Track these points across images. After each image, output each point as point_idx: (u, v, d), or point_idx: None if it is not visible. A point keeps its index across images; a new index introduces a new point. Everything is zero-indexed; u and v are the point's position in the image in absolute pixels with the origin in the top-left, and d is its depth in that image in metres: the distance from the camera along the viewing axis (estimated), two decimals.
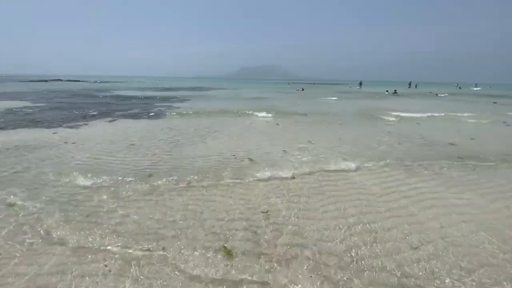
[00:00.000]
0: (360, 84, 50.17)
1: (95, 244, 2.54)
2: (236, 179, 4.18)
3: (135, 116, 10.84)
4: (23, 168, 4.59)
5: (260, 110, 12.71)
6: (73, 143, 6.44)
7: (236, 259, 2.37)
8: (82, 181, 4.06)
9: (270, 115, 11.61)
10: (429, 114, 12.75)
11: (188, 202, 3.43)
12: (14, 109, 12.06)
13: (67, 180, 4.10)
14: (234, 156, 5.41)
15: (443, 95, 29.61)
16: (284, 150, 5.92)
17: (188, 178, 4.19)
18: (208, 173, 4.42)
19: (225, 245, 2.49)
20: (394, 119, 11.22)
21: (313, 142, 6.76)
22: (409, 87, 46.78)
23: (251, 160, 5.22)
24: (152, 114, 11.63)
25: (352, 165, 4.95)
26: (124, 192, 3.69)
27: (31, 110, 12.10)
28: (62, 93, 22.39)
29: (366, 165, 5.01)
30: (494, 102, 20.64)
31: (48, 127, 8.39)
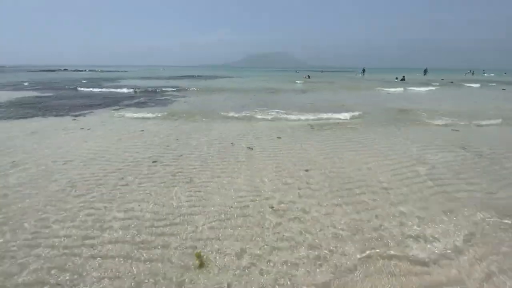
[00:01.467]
0: (363, 71, 48.51)
1: None
2: None
3: (139, 105, 11.02)
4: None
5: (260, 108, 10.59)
6: (88, 129, 6.80)
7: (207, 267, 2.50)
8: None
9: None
10: None
11: None
12: (23, 99, 12.38)
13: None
14: None
15: (493, 84, 25.70)
16: None
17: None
18: None
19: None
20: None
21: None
22: (424, 74, 44.04)
23: None
24: (155, 103, 11.77)
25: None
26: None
27: (40, 99, 12.41)
28: (69, 83, 22.67)
29: None
30: (503, 89, 19.95)
31: (56, 115, 8.65)
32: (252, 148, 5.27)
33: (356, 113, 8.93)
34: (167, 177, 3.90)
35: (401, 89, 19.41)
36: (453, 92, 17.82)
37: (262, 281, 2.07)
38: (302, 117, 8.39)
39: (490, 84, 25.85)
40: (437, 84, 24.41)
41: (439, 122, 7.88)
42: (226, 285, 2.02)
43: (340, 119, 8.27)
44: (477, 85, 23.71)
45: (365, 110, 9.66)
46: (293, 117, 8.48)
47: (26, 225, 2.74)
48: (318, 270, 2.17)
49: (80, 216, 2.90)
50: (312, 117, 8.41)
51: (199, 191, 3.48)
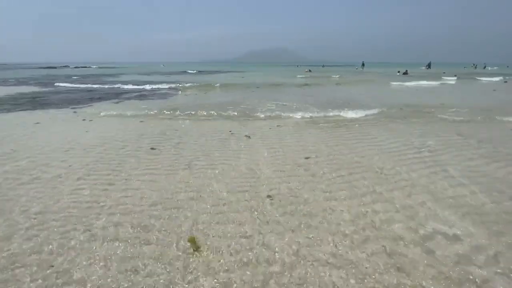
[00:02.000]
0: (363, 65, 48.23)
1: None
2: None
3: (138, 98, 11.03)
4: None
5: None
6: (90, 120, 6.94)
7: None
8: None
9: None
10: None
11: None
12: (25, 94, 12.44)
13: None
14: None
15: None
16: None
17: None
18: None
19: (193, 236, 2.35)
20: None
21: None
22: (428, 68, 43.20)
23: None
24: (154, 97, 11.78)
25: None
26: None
27: (45, 94, 12.48)
28: (69, 79, 22.67)
29: None
30: (505, 81, 19.69)
31: (60, 107, 8.71)
32: (250, 137, 5.26)
33: (364, 110, 8.07)
34: (165, 163, 3.91)
35: (412, 83, 18.27)
36: (472, 87, 16.95)
37: (256, 266, 2.04)
38: (304, 111, 7.99)
39: (494, 77, 25.51)
40: (449, 78, 23.10)
41: (462, 118, 7.00)
42: (220, 268, 2.00)
43: (348, 115, 7.58)
44: (486, 78, 23.20)
45: (374, 106, 8.85)
46: (294, 109, 8.34)
47: (29, 204, 2.80)
48: (315, 256, 2.13)
49: (80, 199, 2.92)
50: (316, 111, 7.96)
51: (197, 177, 3.47)
